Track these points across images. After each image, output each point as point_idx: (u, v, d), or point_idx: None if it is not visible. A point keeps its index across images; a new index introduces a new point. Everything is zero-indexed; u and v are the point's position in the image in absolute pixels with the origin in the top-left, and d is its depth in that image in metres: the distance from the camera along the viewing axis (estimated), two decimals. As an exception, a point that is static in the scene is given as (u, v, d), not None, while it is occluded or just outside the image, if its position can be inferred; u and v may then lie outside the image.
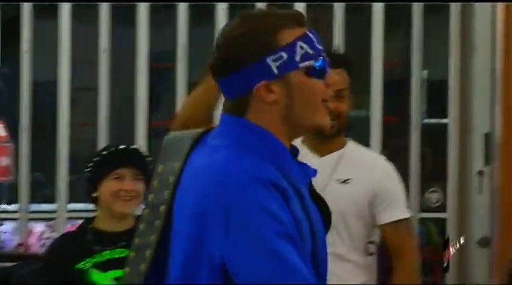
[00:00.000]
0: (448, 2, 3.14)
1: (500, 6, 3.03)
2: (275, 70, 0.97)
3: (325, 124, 1.03)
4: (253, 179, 0.92)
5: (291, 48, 0.97)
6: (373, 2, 3.13)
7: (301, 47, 0.98)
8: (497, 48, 3.04)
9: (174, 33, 3.16)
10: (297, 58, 0.97)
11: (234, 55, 0.98)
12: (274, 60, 0.97)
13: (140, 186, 1.89)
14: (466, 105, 3.13)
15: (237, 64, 0.98)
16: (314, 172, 1.06)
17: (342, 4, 3.14)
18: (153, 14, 3.16)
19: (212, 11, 3.12)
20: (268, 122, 0.99)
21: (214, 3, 3.11)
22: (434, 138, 3.28)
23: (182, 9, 3.13)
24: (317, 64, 0.99)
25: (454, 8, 3.12)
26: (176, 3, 3.12)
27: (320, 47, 1.01)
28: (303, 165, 1.05)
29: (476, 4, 3.08)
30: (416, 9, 3.14)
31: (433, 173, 3.29)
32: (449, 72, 3.15)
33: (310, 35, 0.99)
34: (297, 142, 1.44)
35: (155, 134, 3.11)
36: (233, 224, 0.90)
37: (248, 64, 0.97)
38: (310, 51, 0.99)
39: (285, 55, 0.97)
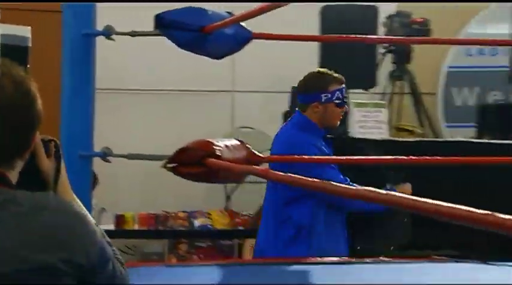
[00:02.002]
0: None
1: None
2: (323, 99, 2.87)
3: (336, 125, 3.06)
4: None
5: (332, 93, 2.85)
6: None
7: (337, 94, 2.87)
8: None
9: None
10: (334, 98, 2.85)
11: (309, 87, 2.98)
12: (324, 95, 2.88)
13: None
14: None
15: (308, 90, 2.99)
16: (330, 149, 3.03)
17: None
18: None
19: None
20: (313, 118, 2.86)
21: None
22: None
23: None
24: (340, 103, 2.91)
25: None
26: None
27: (345, 95, 2.98)
28: (326, 142, 3.00)
29: None
30: None
31: None
32: None
33: (343, 88, 2.81)
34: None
35: None
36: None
37: (313, 92, 2.93)
38: (340, 96, 2.88)
39: (329, 95, 2.87)
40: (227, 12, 2.30)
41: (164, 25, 2.24)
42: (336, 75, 2.93)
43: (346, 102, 3.10)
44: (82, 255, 1.10)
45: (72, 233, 1.10)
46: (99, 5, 2.52)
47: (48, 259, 1.07)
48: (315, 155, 2.92)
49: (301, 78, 3.85)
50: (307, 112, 2.97)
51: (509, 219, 0.77)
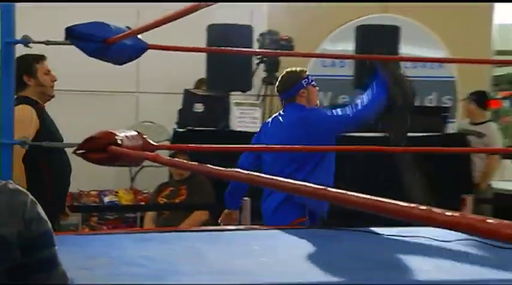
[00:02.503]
0: None
1: None
2: (304, 85, 3.41)
3: (317, 103, 3.53)
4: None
5: (307, 78, 3.43)
6: None
7: (309, 78, 3.45)
8: None
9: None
10: (310, 81, 3.43)
11: (291, 81, 3.45)
12: (304, 81, 3.42)
13: None
14: None
15: (292, 84, 3.45)
16: None
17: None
18: None
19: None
20: (303, 103, 3.33)
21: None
22: None
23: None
24: (314, 84, 3.50)
25: None
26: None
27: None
28: None
29: None
30: None
31: None
32: None
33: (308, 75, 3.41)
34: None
35: None
36: None
37: (295, 83, 3.42)
38: (311, 80, 3.47)
39: (306, 79, 3.43)
40: (127, 27, 2.49)
41: (74, 36, 2.35)
42: (299, 68, 3.45)
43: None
44: (31, 227, 1.18)
45: (25, 210, 1.18)
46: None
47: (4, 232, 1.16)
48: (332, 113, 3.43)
49: (194, 81, 4.38)
50: (297, 101, 3.38)
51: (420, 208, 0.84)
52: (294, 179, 1.44)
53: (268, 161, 3.40)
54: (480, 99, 5.75)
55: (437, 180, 4.53)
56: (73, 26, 2.33)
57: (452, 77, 6.80)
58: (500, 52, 7.77)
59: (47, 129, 3.17)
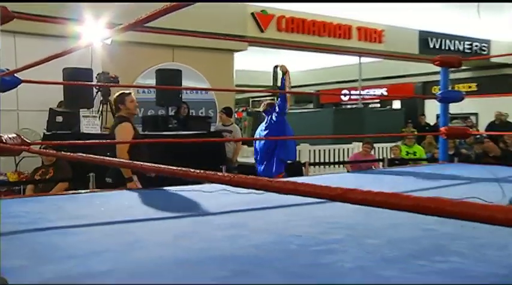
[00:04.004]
0: None
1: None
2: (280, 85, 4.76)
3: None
4: None
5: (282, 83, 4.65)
6: None
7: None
8: None
9: None
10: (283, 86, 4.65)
11: (271, 103, 4.39)
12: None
13: None
14: None
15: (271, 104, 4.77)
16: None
17: None
18: None
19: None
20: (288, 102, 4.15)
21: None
22: None
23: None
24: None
25: None
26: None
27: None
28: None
29: None
30: None
31: None
32: None
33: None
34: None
35: None
36: None
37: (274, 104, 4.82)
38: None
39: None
40: (6, 68, 2.75)
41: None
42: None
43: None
44: None
45: None
46: None
47: None
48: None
49: (57, 102, 5.24)
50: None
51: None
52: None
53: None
54: (228, 111, 7.37)
55: (206, 157, 5.72)
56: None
57: (213, 99, 8.93)
58: (237, 85, 10.14)
59: (136, 133, 3.93)
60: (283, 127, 5.14)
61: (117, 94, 3.99)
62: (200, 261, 1.55)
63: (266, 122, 5.25)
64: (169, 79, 7.12)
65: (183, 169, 0.99)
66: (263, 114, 5.46)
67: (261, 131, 5.35)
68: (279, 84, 5.35)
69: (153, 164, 1.10)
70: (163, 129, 6.73)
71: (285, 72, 5.07)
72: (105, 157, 1.53)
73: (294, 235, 1.86)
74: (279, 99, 5.33)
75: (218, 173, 0.92)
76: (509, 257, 1.56)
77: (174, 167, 1.00)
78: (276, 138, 5.17)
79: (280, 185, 0.78)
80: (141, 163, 1.20)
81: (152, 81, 7.52)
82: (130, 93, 4.03)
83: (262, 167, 5.22)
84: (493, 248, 1.63)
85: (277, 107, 5.13)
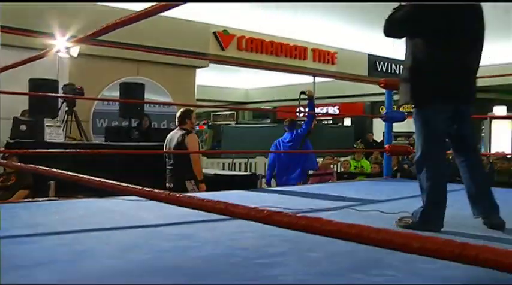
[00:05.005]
0: None
1: None
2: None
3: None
4: None
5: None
6: None
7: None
8: None
9: None
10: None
11: (294, 120, 5.29)
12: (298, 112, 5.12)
13: None
14: None
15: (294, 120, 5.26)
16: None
17: None
18: None
19: None
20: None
21: None
22: None
23: None
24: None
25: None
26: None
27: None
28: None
29: None
30: None
31: None
32: None
33: None
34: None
35: None
36: None
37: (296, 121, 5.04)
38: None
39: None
40: None
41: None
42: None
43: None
44: None
45: None
46: None
47: None
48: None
49: (20, 111, 5.14)
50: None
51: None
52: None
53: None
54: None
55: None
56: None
57: (175, 112, 7.79)
58: (198, 100, 10.13)
59: (199, 143, 4.63)
60: (306, 142, 5.54)
61: (182, 109, 4.61)
62: (147, 272, 1.50)
63: (291, 136, 5.62)
64: (132, 92, 7.09)
65: (122, 184, 0.94)
66: (285, 128, 5.82)
67: (283, 144, 5.62)
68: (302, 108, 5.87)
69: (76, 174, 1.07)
70: (125, 139, 6.67)
71: (312, 97, 5.46)
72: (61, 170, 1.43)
73: (240, 247, 1.83)
74: (306, 119, 5.83)
75: (155, 190, 0.88)
76: (440, 269, 1.56)
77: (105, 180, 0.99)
78: (302, 152, 5.58)
79: (203, 205, 0.74)
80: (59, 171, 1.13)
81: (117, 94, 7.49)
82: (194, 110, 4.70)
83: (285, 178, 5.49)
84: (425, 262, 1.62)
85: (304, 125, 5.59)
